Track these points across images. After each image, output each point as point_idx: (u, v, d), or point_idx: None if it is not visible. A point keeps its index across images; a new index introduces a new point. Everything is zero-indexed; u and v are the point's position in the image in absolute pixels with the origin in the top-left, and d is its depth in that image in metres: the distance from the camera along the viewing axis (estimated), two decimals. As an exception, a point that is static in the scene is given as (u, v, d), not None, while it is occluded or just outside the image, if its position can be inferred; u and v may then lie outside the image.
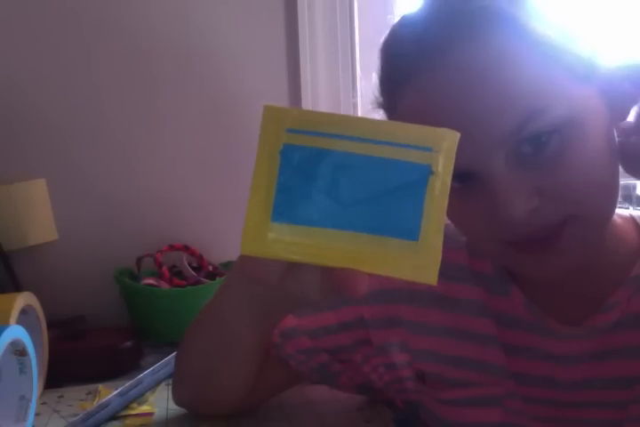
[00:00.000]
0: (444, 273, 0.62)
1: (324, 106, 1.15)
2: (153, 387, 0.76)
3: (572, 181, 0.47)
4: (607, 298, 0.54)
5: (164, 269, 1.03)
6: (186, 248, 1.09)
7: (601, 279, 0.55)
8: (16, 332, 0.60)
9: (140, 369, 0.83)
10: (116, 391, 0.71)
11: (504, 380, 0.58)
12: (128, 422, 0.67)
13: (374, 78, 0.54)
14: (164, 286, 1.01)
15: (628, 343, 0.53)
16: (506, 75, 0.46)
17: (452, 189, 0.49)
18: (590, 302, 0.55)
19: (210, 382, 0.61)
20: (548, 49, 0.46)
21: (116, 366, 0.85)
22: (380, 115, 0.55)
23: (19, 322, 0.68)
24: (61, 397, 0.75)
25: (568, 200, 0.47)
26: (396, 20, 0.53)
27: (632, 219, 0.58)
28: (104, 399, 0.69)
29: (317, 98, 1.15)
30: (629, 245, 0.56)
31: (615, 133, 0.51)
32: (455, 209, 0.52)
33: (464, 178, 0.48)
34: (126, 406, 0.70)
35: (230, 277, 0.59)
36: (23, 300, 0.72)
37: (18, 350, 0.61)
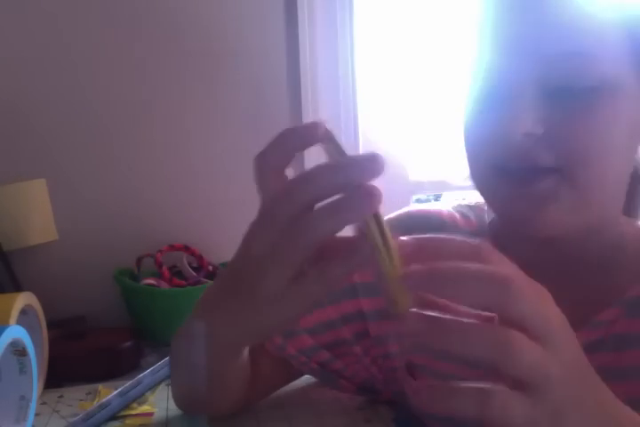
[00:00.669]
0: None
1: (324, 105, 1.15)
2: (153, 387, 0.76)
3: (579, 138, 0.48)
4: (595, 316, 0.53)
5: (164, 269, 1.03)
6: (186, 248, 1.09)
7: (597, 294, 0.54)
8: (16, 332, 0.60)
9: (140, 369, 0.83)
10: (116, 391, 0.71)
11: (487, 375, 0.57)
12: (128, 422, 0.67)
13: None
14: (164, 286, 1.01)
15: (605, 364, 0.53)
16: (578, 9, 0.48)
17: (482, 95, 0.51)
18: (580, 315, 0.54)
19: (207, 388, 0.61)
20: (619, 23, 0.48)
21: (116, 366, 0.85)
22: None
23: (19, 322, 0.68)
24: (61, 397, 0.75)
25: (566, 151, 0.48)
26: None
27: None
28: (104, 399, 0.68)
29: (317, 97, 1.15)
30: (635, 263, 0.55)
31: None
32: (476, 116, 0.53)
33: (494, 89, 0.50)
34: (126, 406, 0.69)
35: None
36: (23, 300, 0.72)
37: (18, 350, 0.61)
